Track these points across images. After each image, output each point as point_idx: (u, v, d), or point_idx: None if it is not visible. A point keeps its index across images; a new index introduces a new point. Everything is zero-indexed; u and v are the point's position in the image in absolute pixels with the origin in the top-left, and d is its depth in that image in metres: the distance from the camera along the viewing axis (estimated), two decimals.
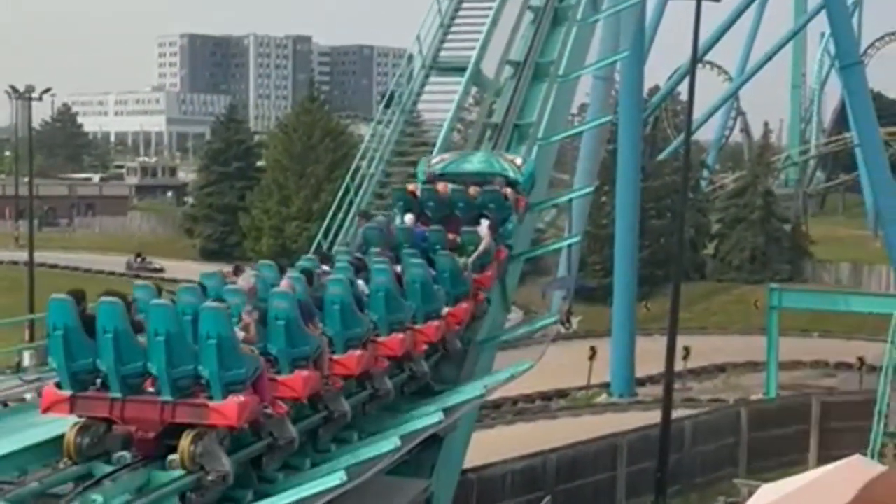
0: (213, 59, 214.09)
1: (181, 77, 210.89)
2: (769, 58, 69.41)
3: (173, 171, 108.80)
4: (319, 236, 17.85)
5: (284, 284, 11.30)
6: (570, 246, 19.86)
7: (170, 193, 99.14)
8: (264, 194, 67.11)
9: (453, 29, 21.38)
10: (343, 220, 18.01)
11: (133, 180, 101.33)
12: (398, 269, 13.37)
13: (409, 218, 15.42)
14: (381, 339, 12.41)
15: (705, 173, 78.03)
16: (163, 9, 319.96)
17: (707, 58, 76.83)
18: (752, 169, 68.95)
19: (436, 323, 13.63)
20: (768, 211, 63.07)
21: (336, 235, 17.77)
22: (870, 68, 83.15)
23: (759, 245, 61.33)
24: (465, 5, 21.81)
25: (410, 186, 16.30)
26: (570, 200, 21.23)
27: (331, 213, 18.24)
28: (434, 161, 17.11)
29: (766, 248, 61.38)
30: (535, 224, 19.71)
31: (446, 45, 21.13)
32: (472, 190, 15.77)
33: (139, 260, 65.60)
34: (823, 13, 50.08)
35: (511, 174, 16.46)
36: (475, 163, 16.87)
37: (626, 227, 39.54)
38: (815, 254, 63.17)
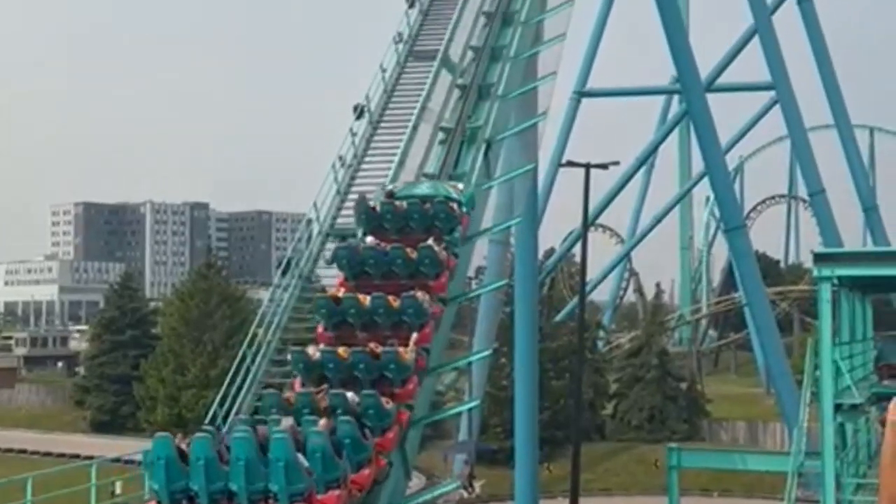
0: (108, 227, 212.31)
1: (75, 245, 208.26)
2: (657, 221, 71.89)
3: (64, 341, 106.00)
4: (215, 405, 17.48)
5: (323, 424, 13.37)
6: (470, 410, 19.79)
7: (60, 364, 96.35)
8: (159, 362, 65.75)
9: (349, 197, 21.70)
10: (240, 388, 17.71)
11: (21, 351, 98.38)
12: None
13: (370, 239, 17.78)
14: None
15: (601, 333, 79.18)
16: (56, 178, 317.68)
17: (599, 221, 78.95)
18: (647, 329, 70.19)
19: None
20: (664, 370, 64.00)
21: (233, 403, 17.43)
22: (753, 231, 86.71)
23: (656, 404, 61.94)
24: (359, 175, 22.23)
25: (371, 203, 18.65)
26: (470, 363, 21.27)
27: (227, 381, 17.92)
28: (389, 187, 19.78)
29: (664, 408, 61.99)
30: (435, 387, 19.64)
31: (343, 212, 21.41)
32: (426, 205, 18.32)
33: None
34: (707, 179, 52.20)
35: (455, 196, 18.98)
36: (424, 188, 19.52)
37: (526, 388, 39.52)
38: (711, 412, 63.99)
